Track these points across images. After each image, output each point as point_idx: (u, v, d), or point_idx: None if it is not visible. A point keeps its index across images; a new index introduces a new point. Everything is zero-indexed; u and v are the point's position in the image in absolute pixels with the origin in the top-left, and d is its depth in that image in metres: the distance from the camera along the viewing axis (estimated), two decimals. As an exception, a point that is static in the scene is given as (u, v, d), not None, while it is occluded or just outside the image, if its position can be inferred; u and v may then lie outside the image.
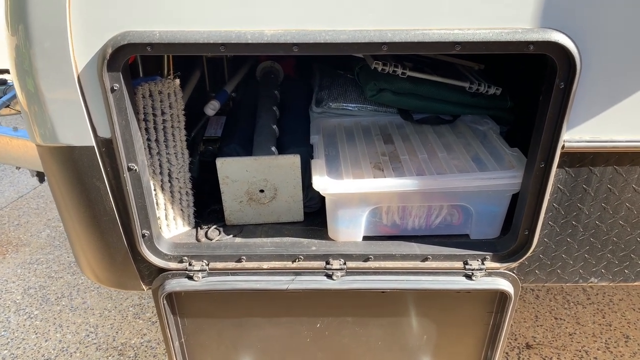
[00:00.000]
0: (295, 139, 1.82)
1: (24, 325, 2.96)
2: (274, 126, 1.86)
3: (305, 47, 1.19)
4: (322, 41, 1.18)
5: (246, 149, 1.76)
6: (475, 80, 1.77)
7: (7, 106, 3.34)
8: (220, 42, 1.18)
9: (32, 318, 3.01)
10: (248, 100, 2.14)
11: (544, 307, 3.02)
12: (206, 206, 1.77)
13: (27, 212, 4.14)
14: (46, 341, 2.84)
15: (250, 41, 1.18)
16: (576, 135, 1.32)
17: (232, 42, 1.18)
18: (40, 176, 3.02)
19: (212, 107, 1.87)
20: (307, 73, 2.34)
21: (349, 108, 1.87)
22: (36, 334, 2.89)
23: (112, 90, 1.25)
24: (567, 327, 2.85)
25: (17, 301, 3.16)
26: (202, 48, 1.20)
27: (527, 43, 1.19)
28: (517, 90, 1.83)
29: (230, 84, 2.12)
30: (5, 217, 4.04)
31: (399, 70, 1.70)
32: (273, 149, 1.72)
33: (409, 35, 1.18)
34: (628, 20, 1.18)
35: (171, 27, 1.18)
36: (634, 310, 2.97)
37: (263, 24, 1.18)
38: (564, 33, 1.18)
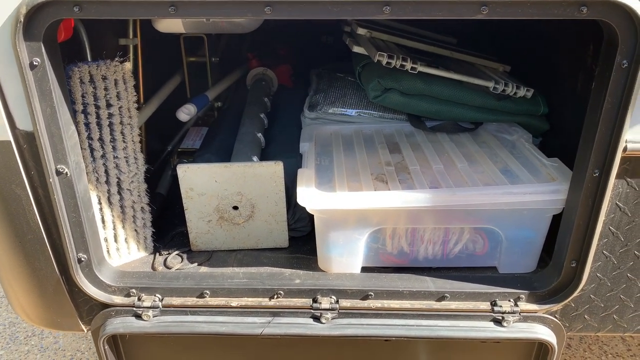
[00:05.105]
0: (283, 149, 1.52)
1: (-16, 367, 2.62)
2: (259, 134, 1.56)
3: (280, 6, 0.90)
4: (303, -2, 0.89)
5: (223, 160, 1.46)
6: (502, 80, 1.46)
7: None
8: (168, -1, 0.90)
9: (-6, 359, 2.67)
10: (235, 110, 1.85)
11: (577, 358, 2.61)
12: (173, 229, 1.46)
13: (9, 242, 3.85)
14: (6, 386, 2.49)
15: (207, -3, 0.90)
16: (642, 134, 1.00)
17: (184, -1, 0.90)
18: None
19: (185, 112, 1.58)
20: (306, 82, 2.05)
21: (349, 114, 1.57)
22: (-4, 377, 2.55)
23: (32, 66, 0.97)
24: (606, 383, 2.43)
25: (-18, 339, 2.82)
26: (146, 8, 0.92)
27: (578, 4, 0.91)
28: (551, 93, 1.51)
29: (213, 90, 1.83)
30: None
31: (408, 65, 1.40)
32: (255, 158, 1.41)
33: (419, -9, 0.89)
34: None
35: (105, -20, 0.91)
36: (684, 364, 2.56)
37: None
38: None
